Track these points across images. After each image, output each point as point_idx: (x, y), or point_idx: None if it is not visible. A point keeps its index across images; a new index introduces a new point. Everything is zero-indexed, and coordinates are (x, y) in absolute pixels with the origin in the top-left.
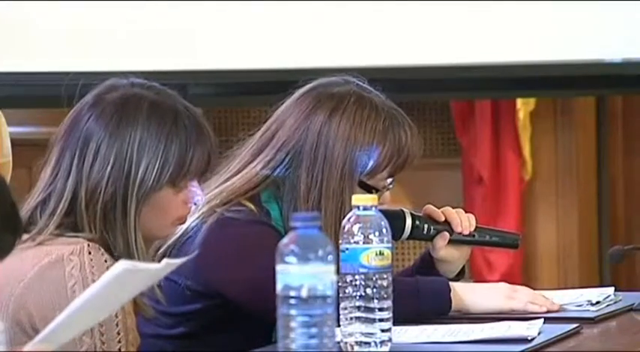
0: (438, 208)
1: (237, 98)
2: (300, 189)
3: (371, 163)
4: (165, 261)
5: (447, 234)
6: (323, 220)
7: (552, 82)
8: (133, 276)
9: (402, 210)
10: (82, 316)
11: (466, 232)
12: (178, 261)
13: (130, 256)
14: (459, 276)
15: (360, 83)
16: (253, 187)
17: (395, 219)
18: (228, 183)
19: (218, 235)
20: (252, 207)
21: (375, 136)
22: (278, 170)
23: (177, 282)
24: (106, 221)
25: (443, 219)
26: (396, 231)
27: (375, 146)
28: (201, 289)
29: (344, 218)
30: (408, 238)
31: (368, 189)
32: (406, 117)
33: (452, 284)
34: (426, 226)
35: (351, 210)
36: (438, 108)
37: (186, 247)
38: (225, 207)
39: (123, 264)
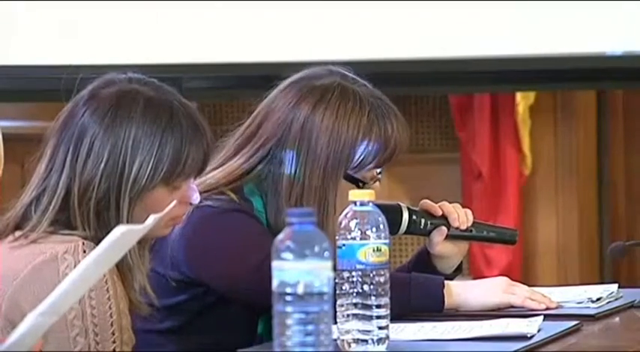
0: (436, 203)
1: (232, 91)
2: (283, 185)
3: (357, 158)
4: (152, 216)
5: (444, 228)
6: None
7: (552, 75)
8: (127, 237)
9: (399, 205)
10: (80, 283)
11: (463, 227)
12: (161, 214)
13: (123, 256)
14: (456, 273)
15: (346, 73)
16: (234, 180)
17: (391, 214)
18: (209, 175)
19: (197, 225)
20: (233, 196)
21: (360, 130)
22: (260, 165)
23: (162, 274)
24: (99, 218)
25: (440, 213)
26: (393, 226)
27: (360, 140)
28: (185, 279)
29: (327, 216)
30: (405, 233)
31: (355, 183)
32: (392, 106)
33: (449, 282)
34: (422, 221)
35: (334, 206)
36: (436, 102)
37: (168, 236)
38: (205, 195)
39: (120, 229)
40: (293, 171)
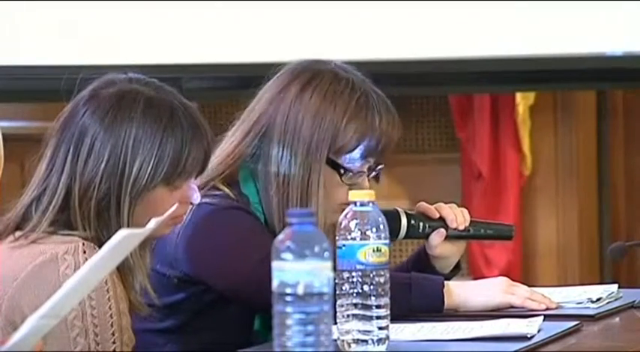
0: (434, 204)
1: (232, 92)
2: (271, 162)
3: (339, 140)
4: (154, 219)
5: (443, 230)
6: (291, 194)
7: (552, 75)
8: (130, 241)
9: (397, 210)
10: (82, 286)
11: (461, 227)
12: (162, 218)
13: None
14: (455, 272)
15: (342, 64)
16: (231, 164)
17: (390, 220)
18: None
19: (196, 224)
20: (228, 191)
21: (346, 113)
22: (253, 144)
23: (162, 273)
24: (99, 218)
25: (437, 215)
26: (392, 232)
27: (345, 123)
28: (184, 278)
29: (310, 195)
30: (404, 238)
31: (336, 168)
32: (388, 103)
33: (449, 283)
34: (421, 224)
35: (318, 188)
36: (436, 102)
37: (168, 235)
38: (202, 191)
39: (122, 233)
40: (281, 149)
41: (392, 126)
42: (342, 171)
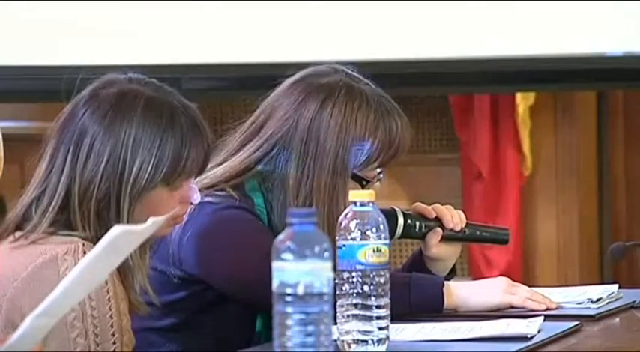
0: (433, 204)
1: (232, 92)
2: (289, 183)
3: (363, 155)
4: (151, 219)
5: (439, 230)
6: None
7: (552, 76)
8: (126, 239)
9: (394, 209)
10: (78, 286)
11: (457, 228)
12: (162, 219)
13: None
14: (451, 275)
15: (349, 72)
16: (236, 176)
17: (387, 219)
18: (210, 173)
19: (197, 222)
20: (233, 192)
21: (367, 128)
22: (264, 161)
23: (162, 272)
24: (99, 219)
25: (434, 215)
26: (389, 231)
27: (367, 138)
28: (185, 276)
29: (337, 213)
30: (401, 237)
31: (359, 181)
32: (396, 105)
33: (449, 283)
34: (417, 224)
35: (344, 204)
36: (436, 102)
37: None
38: (206, 192)
39: (118, 229)
40: (300, 169)
41: (406, 130)
42: (365, 183)
